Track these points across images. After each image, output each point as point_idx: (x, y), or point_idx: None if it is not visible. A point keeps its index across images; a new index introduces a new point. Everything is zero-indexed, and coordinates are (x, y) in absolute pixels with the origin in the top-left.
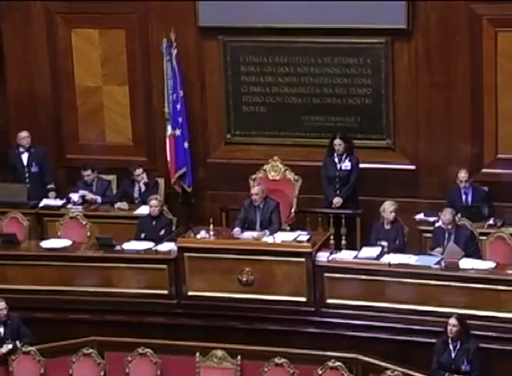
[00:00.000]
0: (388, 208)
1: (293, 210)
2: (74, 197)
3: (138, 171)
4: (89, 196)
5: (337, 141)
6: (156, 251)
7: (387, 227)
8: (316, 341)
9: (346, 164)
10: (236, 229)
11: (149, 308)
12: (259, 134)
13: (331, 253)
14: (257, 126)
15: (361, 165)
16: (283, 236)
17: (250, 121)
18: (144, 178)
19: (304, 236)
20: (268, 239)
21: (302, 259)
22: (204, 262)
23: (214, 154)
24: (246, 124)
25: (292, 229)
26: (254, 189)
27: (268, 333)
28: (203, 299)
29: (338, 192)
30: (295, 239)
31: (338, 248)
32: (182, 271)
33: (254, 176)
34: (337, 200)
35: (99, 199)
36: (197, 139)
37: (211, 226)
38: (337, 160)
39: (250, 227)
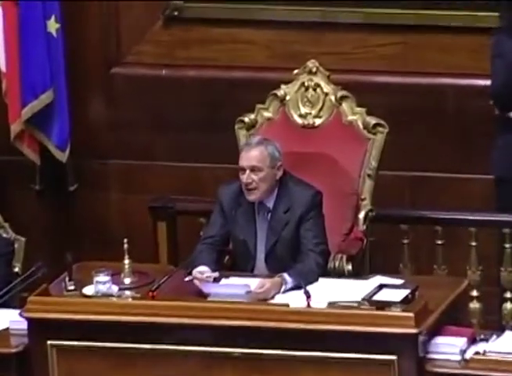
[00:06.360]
0: None
1: (362, 214)
2: None
3: None
4: None
5: None
6: None
7: None
8: None
9: None
10: (199, 270)
11: None
12: None
13: (473, 339)
14: None
15: None
16: (331, 292)
17: None
18: None
19: (391, 290)
20: (292, 299)
21: (391, 357)
22: (104, 366)
23: (133, 54)
24: None
25: (357, 270)
26: (249, 156)
27: None
28: None
29: None
30: (368, 299)
31: (496, 326)
32: None
33: (248, 118)
34: None
35: None
36: (84, 13)
37: (126, 260)
38: None
39: (240, 263)
